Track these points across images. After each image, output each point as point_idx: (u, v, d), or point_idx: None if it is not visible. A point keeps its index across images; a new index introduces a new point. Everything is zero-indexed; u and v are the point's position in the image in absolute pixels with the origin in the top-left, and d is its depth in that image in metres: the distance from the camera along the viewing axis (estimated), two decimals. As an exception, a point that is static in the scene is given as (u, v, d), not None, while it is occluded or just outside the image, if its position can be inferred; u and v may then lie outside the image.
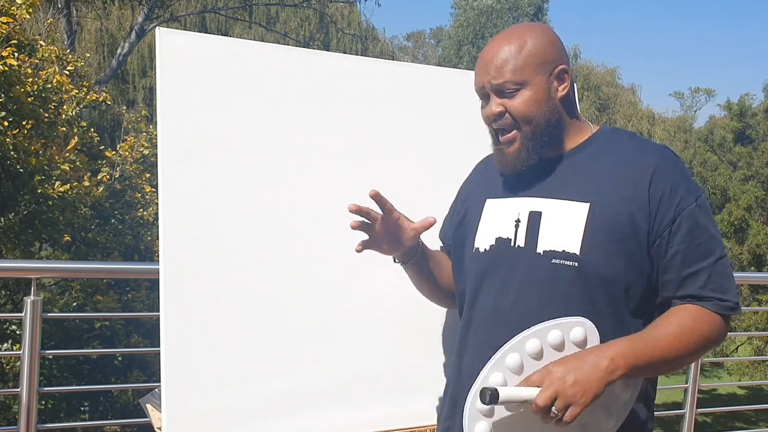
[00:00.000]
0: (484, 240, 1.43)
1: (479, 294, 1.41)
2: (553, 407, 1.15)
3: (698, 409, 3.19)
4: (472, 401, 1.24)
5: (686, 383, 3.16)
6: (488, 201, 1.46)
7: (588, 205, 1.30)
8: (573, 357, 1.21)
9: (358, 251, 1.44)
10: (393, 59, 16.30)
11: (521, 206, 1.38)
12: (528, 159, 1.36)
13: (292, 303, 1.76)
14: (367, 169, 1.90)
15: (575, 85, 1.48)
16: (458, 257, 1.52)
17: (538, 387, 1.17)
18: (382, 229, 1.44)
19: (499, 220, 1.41)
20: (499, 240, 1.39)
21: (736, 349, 15.88)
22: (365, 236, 1.45)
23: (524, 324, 1.30)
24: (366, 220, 1.43)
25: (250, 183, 1.76)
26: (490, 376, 1.23)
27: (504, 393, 1.17)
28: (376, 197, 1.40)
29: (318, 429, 1.74)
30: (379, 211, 1.43)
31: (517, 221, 1.38)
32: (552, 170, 1.37)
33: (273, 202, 1.78)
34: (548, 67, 1.34)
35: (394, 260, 1.54)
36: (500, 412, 1.23)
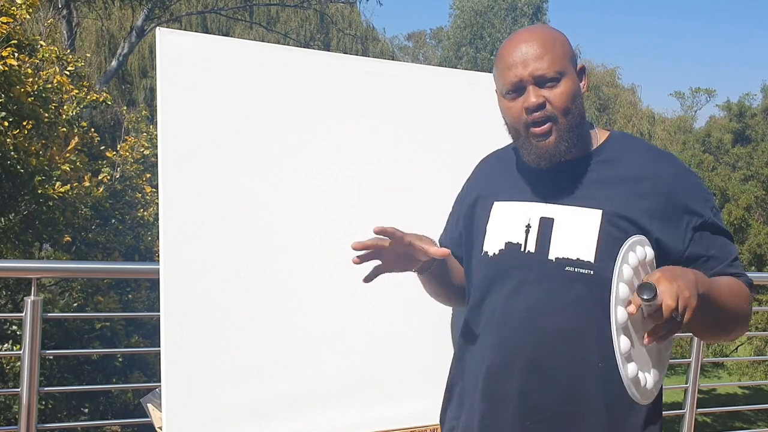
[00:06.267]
0: (492, 244, 1.41)
1: (487, 297, 1.41)
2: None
3: (698, 409, 3.19)
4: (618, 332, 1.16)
5: (686, 383, 3.16)
6: (496, 204, 1.45)
7: (600, 212, 1.31)
8: (667, 268, 1.17)
9: (366, 281, 1.36)
10: (393, 59, 16.24)
11: (532, 211, 1.37)
12: (566, 151, 1.34)
13: (292, 303, 1.76)
14: (368, 169, 1.90)
15: None
16: (466, 260, 1.51)
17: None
18: (393, 254, 1.36)
19: (509, 224, 1.40)
20: (508, 245, 1.38)
21: (736, 349, 15.86)
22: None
23: (536, 328, 1.31)
24: (370, 251, 1.34)
25: (250, 183, 1.76)
26: (619, 286, 1.18)
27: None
28: (382, 233, 1.31)
29: (318, 429, 1.74)
30: (385, 242, 1.34)
31: (528, 226, 1.37)
32: (563, 175, 1.36)
33: (273, 202, 1.78)
34: (574, 63, 1.36)
35: (411, 269, 1.47)
36: (635, 343, 1.18)
